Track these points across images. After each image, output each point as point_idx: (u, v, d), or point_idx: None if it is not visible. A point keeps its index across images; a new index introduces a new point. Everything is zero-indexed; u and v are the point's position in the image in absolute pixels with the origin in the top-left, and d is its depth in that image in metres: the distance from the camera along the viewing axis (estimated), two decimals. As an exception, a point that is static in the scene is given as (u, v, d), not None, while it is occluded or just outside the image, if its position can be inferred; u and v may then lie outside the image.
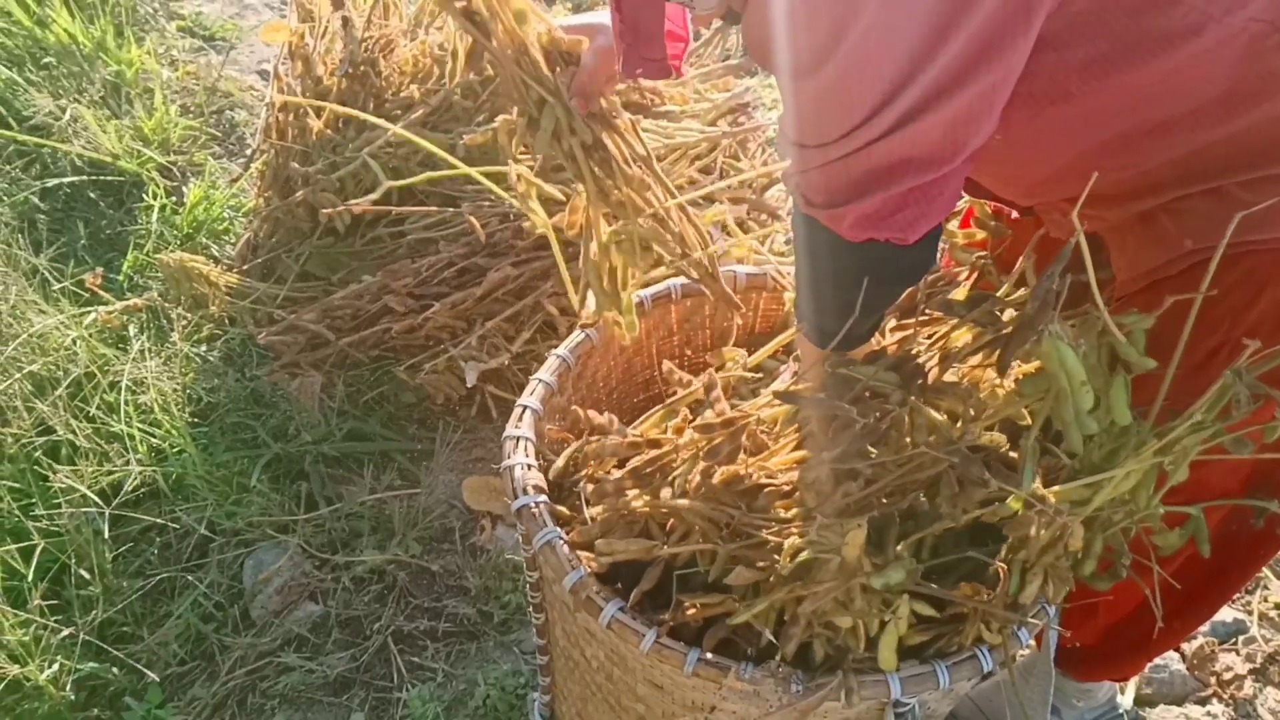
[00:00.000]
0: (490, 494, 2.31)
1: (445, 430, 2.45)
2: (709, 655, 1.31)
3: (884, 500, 1.29)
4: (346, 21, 2.56)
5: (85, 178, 2.91)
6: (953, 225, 1.72)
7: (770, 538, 1.28)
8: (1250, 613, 2.32)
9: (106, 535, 2.14)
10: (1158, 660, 2.18)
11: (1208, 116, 1.17)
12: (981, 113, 1.04)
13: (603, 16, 1.47)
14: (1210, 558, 1.37)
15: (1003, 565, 1.24)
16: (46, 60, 3.12)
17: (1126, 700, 2.10)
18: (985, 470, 1.22)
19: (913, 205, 1.11)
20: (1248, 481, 1.44)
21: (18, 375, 2.29)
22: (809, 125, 1.09)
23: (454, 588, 2.20)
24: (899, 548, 1.30)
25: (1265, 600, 2.36)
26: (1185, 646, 2.24)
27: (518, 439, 1.57)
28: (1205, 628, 2.28)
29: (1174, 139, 1.21)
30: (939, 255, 1.39)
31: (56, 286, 2.58)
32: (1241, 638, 2.28)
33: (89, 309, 2.56)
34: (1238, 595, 2.37)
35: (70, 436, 2.23)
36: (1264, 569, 2.40)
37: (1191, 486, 1.32)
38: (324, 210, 2.49)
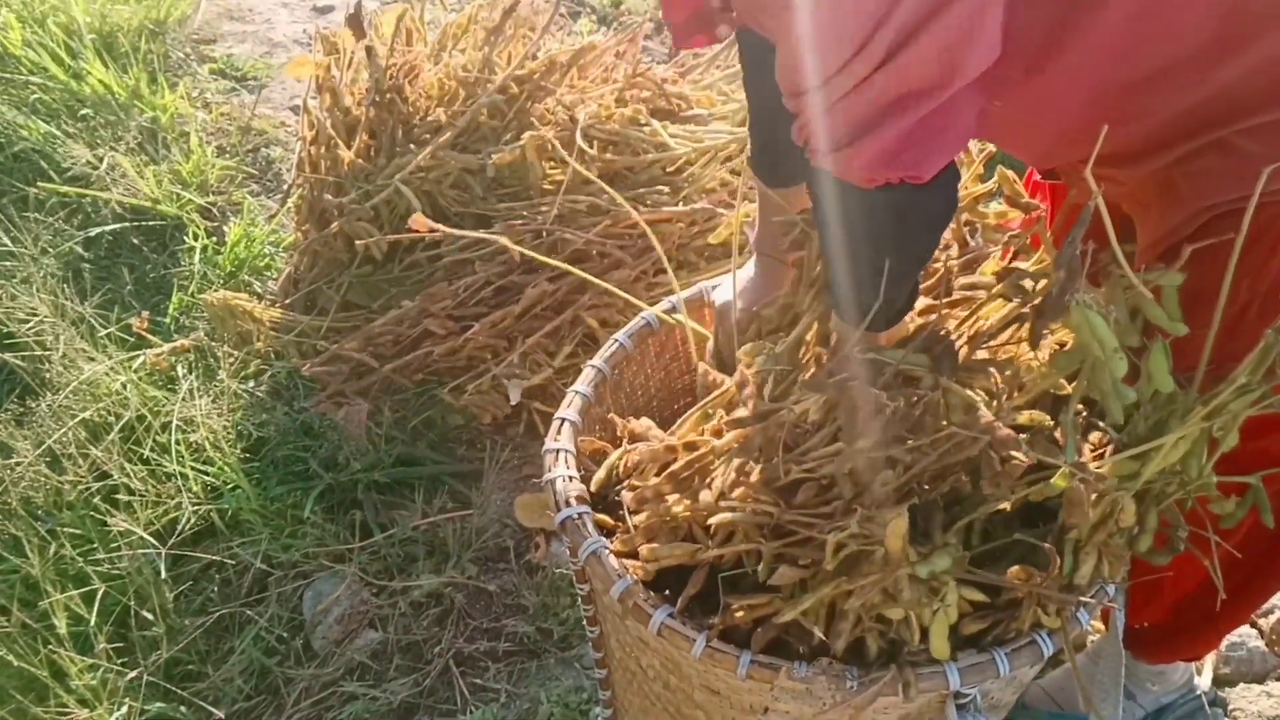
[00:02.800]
0: (542, 510, 2.30)
1: (494, 450, 2.45)
2: (760, 656, 1.29)
3: (925, 487, 1.26)
4: (370, 51, 2.57)
5: (127, 224, 2.96)
6: (990, 206, 1.70)
7: (813, 534, 1.25)
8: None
9: (165, 575, 2.17)
10: (1234, 637, 2.12)
11: (1202, 62, 1.16)
12: (973, 31, 1.03)
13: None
14: (1275, 526, 1.33)
15: (1052, 547, 1.21)
16: (83, 112, 3.19)
17: (1204, 681, 2.04)
18: (1023, 445, 1.20)
19: (920, 140, 1.09)
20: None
21: (71, 423, 2.33)
22: (804, 67, 1.08)
23: (512, 607, 2.20)
24: (945, 535, 1.27)
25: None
26: (1262, 622, 2.17)
27: (557, 452, 1.56)
28: (1279, 599, 2.21)
29: (1174, 88, 1.20)
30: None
31: (104, 333, 2.62)
32: (1321, 611, 2.21)
33: (137, 353, 2.60)
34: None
35: (125, 480, 2.26)
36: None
37: (1250, 455, 1.28)
38: (359, 241, 2.50)
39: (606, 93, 2.59)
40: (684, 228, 2.47)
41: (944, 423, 1.27)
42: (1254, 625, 2.17)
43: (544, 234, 2.47)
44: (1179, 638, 1.74)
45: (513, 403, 2.32)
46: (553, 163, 2.53)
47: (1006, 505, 1.28)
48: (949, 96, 1.06)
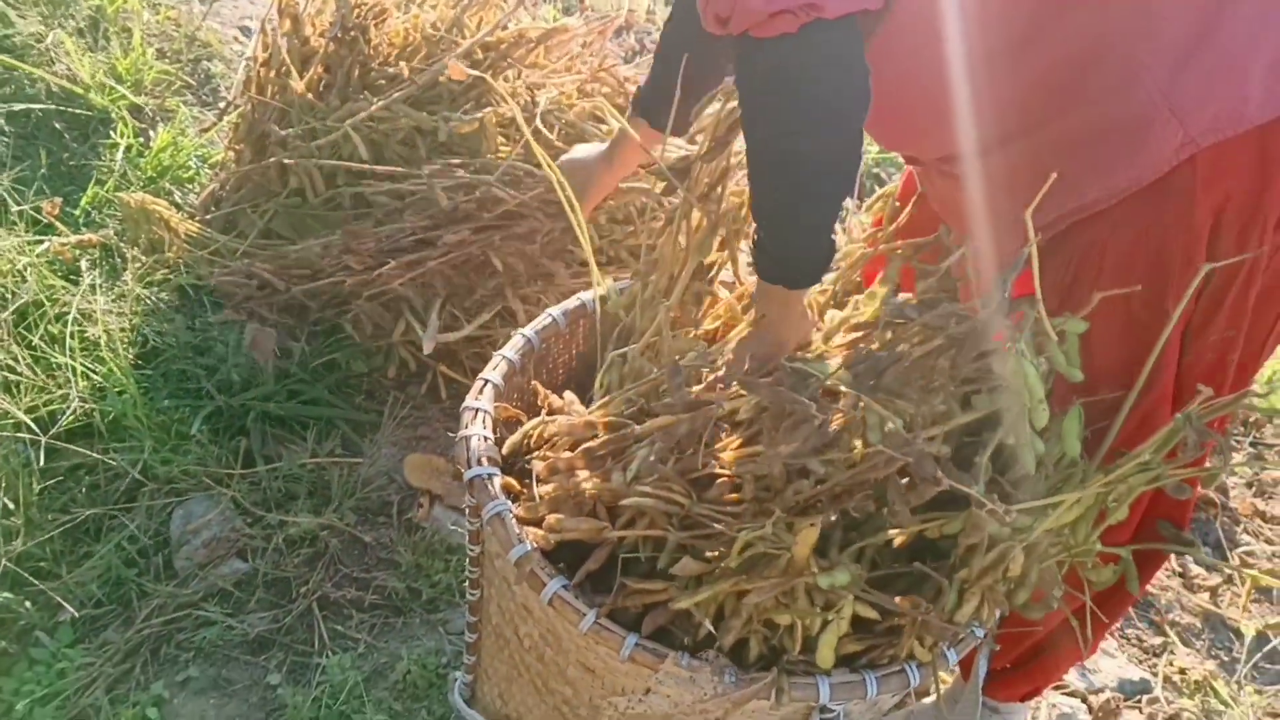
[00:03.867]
0: (431, 472, 2.30)
1: (394, 405, 2.43)
2: (646, 641, 1.32)
3: (829, 501, 1.31)
4: (341, -16, 2.54)
5: (53, 107, 2.85)
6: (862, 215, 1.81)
7: (721, 530, 1.29)
8: (1155, 674, 2.39)
9: (37, 467, 2.10)
10: (1065, 708, 2.23)
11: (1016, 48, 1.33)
12: None
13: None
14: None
15: (945, 580, 1.27)
16: (30, -15, 3.07)
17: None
18: (938, 468, 1.25)
19: None
20: (1148, 509, 1.50)
21: (-37, 293, 2.25)
22: None
23: (385, 561, 2.19)
24: (841, 554, 1.32)
25: (1170, 664, 2.42)
26: (1092, 699, 2.29)
27: (476, 410, 1.57)
28: (1113, 683, 2.33)
29: (996, 75, 1.36)
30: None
31: (14, 210, 2.53)
32: (1145, 697, 2.34)
33: (43, 238, 2.51)
34: (1144, 656, 2.44)
35: (11, 362, 2.18)
36: (1171, 634, 2.47)
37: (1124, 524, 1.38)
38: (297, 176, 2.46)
39: (569, 81, 2.61)
40: (619, 225, 2.50)
41: (858, 442, 1.32)
42: (1084, 700, 2.29)
43: (476, 189, 2.45)
44: (1023, 675, 1.84)
45: (425, 352, 2.29)
46: (504, 140, 2.53)
47: (901, 535, 1.34)
48: None
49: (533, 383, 1.66)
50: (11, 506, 2.07)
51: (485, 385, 1.61)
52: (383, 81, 2.58)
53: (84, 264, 2.53)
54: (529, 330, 1.72)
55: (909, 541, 1.37)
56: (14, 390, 2.16)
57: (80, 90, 2.89)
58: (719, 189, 1.71)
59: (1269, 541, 2.74)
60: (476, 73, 2.33)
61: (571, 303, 1.79)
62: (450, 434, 2.43)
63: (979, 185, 1.47)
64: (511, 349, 1.68)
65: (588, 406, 1.63)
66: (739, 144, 1.63)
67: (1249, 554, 2.68)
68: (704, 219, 1.70)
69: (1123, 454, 1.23)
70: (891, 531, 1.32)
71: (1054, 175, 1.22)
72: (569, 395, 1.58)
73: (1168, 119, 1.25)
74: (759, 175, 1.38)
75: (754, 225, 1.44)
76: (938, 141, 1.48)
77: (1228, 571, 2.45)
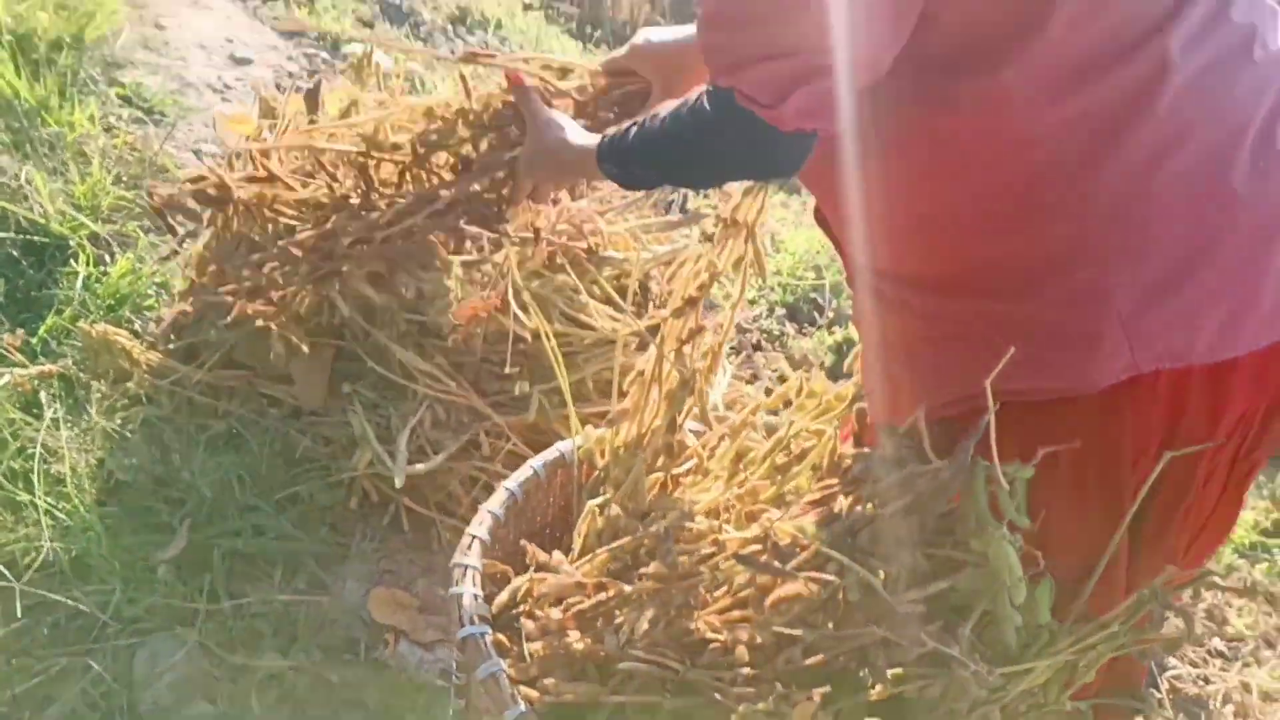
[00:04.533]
0: (397, 609, 2.32)
1: (361, 538, 2.46)
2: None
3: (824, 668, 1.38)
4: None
5: (11, 235, 2.87)
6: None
7: (715, 698, 1.35)
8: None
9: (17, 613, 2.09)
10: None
11: (1009, 215, 1.40)
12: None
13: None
14: None
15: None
16: (-13, 113, 3.10)
17: None
18: (921, 630, 1.33)
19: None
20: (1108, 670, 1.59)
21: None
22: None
23: (351, 702, 2.19)
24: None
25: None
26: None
27: (465, 567, 1.62)
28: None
29: (965, 228, 1.44)
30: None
31: (-23, 344, 2.54)
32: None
33: (4, 370, 2.51)
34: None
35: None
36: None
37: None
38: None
39: (536, 249, 2.64)
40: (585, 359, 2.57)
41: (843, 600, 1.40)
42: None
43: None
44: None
45: (398, 485, 2.33)
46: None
47: (880, 693, 1.41)
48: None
49: (522, 541, 1.71)
50: (-28, 652, 2.05)
51: (473, 541, 1.66)
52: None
53: (43, 395, 2.53)
54: (511, 483, 1.78)
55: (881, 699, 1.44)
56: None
57: (40, 219, 2.91)
58: (690, 346, 1.80)
59: (1193, 664, 2.86)
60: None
61: (551, 454, 1.86)
62: (414, 565, 2.47)
63: (916, 319, 1.56)
64: (496, 503, 1.74)
65: (566, 553, 1.69)
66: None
67: (1176, 678, 2.80)
68: (675, 373, 1.78)
69: (1089, 620, 1.33)
70: (872, 691, 1.39)
71: (1011, 350, 1.31)
72: (557, 554, 1.64)
73: (1120, 340, 1.33)
74: (675, 147, 1.55)
75: (629, 127, 1.61)
76: (896, 253, 1.56)
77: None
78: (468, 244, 2.43)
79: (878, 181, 1.43)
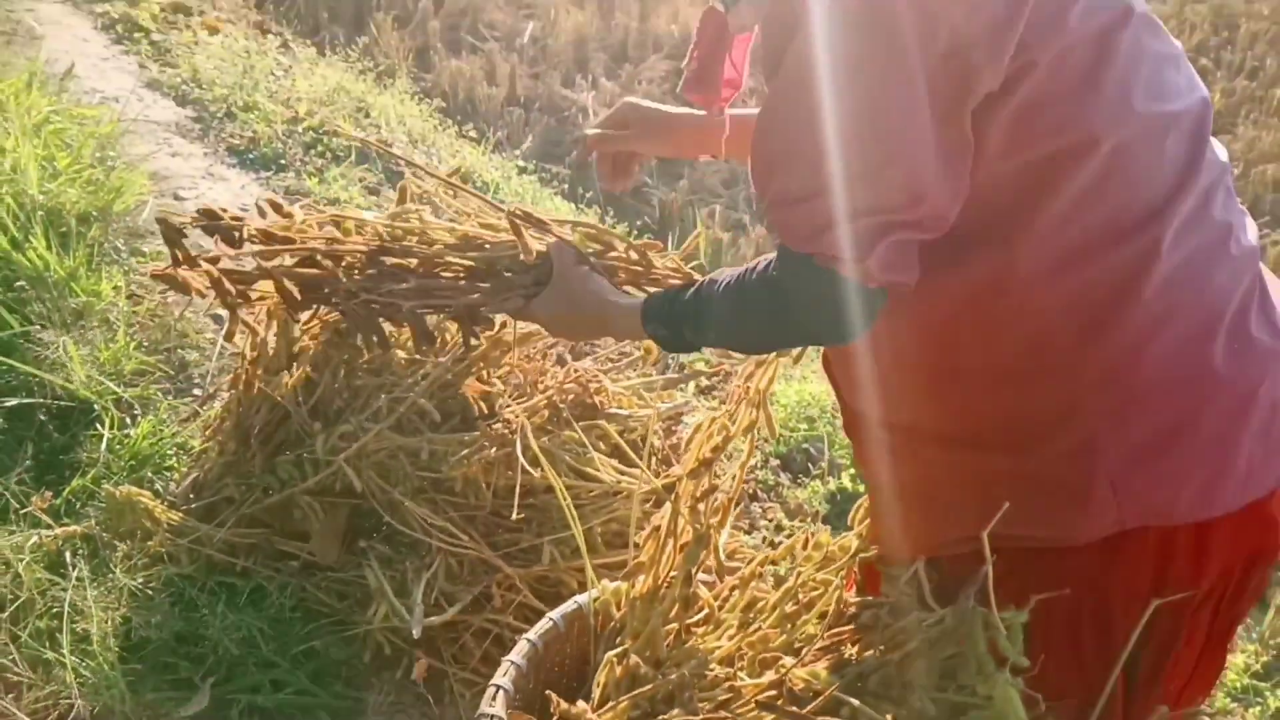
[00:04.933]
0: (414, 762, 2.37)
1: (378, 693, 2.52)
2: None
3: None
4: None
5: (39, 400, 2.99)
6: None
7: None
8: None
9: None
10: None
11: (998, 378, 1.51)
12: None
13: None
14: None
15: None
16: (19, 283, 3.26)
17: None
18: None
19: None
20: None
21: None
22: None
23: None
24: None
25: None
26: None
27: (492, 718, 1.70)
28: None
29: (969, 386, 1.54)
30: None
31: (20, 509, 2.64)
32: None
33: (33, 531, 2.60)
34: None
35: (7, 662, 2.24)
36: None
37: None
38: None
39: (540, 399, 2.78)
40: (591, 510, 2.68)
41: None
42: None
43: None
44: None
45: (415, 636, 2.40)
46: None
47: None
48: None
49: (547, 692, 1.79)
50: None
51: (498, 692, 1.74)
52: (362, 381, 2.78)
53: (68, 555, 2.61)
54: (533, 635, 1.87)
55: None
56: (17, 692, 2.21)
57: (66, 384, 3.04)
58: (704, 504, 1.91)
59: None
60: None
61: (569, 606, 1.95)
62: (426, 719, 2.52)
63: (924, 467, 1.66)
64: (518, 654, 1.82)
65: (587, 700, 1.77)
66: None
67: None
68: (690, 528, 1.89)
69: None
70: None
71: (1006, 505, 1.42)
72: (581, 704, 1.72)
73: (1108, 496, 1.44)
74: (743, 313, 1.60)
75: (680, 291, 1.69)
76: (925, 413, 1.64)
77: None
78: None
79: (891, 336, 1.53)
